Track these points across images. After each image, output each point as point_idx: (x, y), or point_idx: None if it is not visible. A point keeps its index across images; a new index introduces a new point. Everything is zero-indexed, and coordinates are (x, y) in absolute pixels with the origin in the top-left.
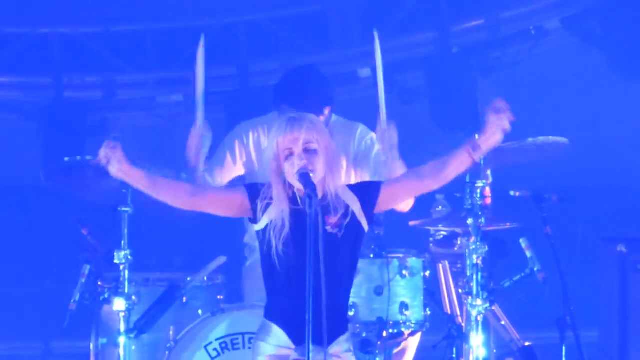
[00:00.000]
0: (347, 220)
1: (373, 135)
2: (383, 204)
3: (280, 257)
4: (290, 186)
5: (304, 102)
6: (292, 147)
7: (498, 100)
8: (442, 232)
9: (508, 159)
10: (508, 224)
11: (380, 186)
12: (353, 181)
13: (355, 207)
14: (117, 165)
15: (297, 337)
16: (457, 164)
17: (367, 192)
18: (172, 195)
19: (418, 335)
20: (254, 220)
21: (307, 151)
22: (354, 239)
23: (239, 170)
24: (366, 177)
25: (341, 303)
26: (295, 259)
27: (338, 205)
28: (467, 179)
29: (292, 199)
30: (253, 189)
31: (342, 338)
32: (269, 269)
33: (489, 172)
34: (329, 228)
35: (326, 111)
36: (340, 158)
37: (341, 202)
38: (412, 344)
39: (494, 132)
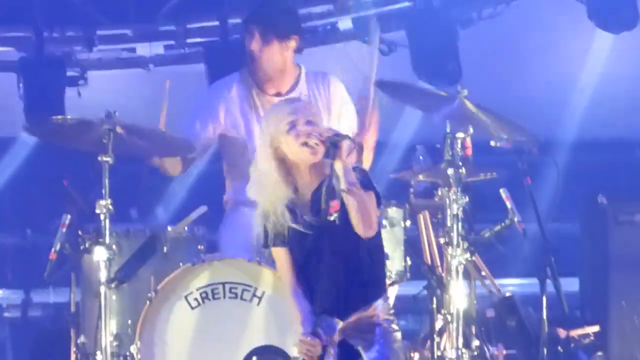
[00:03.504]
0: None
1: (342, 87)
2: None
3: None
4: (288, 177)
5: (272, 23)
6: (294, 118)
7: None
8: (422, 183)
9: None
10: (488, 174)
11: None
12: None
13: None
14: None
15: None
16: None
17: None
18: None
19: (396, 286)
20: None
21: (310, 122)
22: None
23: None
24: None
25: (358, 279)
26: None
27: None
28: (448, 130)
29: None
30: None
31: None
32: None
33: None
34: (330, 217)
35: (293, 40)
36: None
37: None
38: (390, 294)
39: None
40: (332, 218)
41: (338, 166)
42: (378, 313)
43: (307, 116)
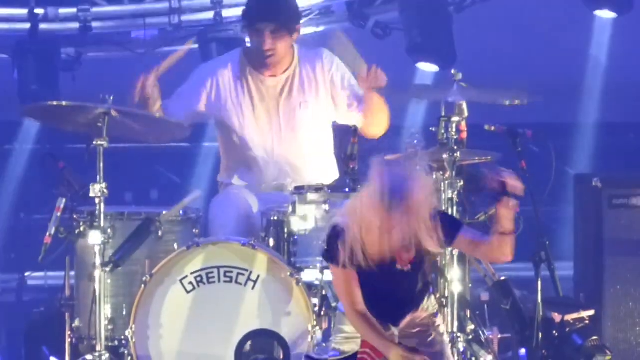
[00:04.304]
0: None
1: (338, 60)
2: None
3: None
4: None
5: (282, 21)
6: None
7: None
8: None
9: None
10: (483, 158)
11: (460, 229)
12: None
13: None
14: None
15: None
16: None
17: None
18: None
19: None
20: None
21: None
22: (424, 265)
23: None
24: (343, 104)
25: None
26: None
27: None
28: (443, 113)
29: None
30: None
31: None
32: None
33: (464, 106)
34: (399, 266)
35: (298, 30)
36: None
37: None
38: None
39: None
40: (404, 269)
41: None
42: (427, 309)
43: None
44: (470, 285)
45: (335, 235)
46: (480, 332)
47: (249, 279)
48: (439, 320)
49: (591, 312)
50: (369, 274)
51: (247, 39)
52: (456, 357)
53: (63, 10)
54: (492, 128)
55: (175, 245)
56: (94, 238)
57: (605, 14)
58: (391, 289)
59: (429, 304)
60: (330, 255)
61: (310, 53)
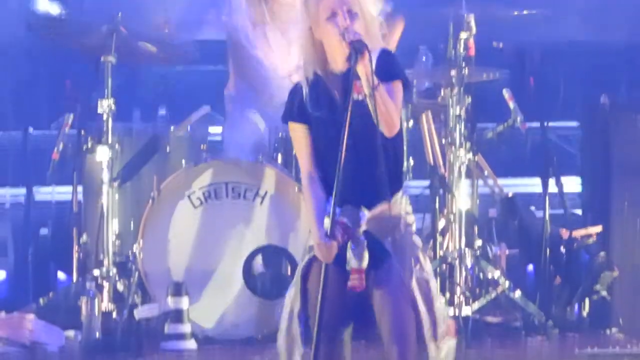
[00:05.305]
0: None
1: None
2: None
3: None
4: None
5: None
6: (336, 8)
7: None
8: (425, 83)
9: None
10: (491, 75)
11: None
12: None
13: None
14: None
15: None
16: None
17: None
18: None
19: None
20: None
21: (350, 13)
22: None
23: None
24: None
25: (381, 171)
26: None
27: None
28: (451, 30)
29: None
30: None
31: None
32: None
33: (472, 23)
34: (356, 95)
35: None
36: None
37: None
38: None
39: None
40: (359, 98)
41: (360, 70)
42: (399, 205)
43: (348, 6)
44: (477, 201)
45: (294, 91)
46: (488, 248)
47: (257, 194)
48: (412, 217)
49: (598, 229)
50: (328, 123)
51: None
52: (464, 273)
53: None
54: (500, 45)
55: (183, 162)
56: (102, 154)
57: None
58: (353, 134)
59: (405, 199)
60: (290, 111)
61: None
